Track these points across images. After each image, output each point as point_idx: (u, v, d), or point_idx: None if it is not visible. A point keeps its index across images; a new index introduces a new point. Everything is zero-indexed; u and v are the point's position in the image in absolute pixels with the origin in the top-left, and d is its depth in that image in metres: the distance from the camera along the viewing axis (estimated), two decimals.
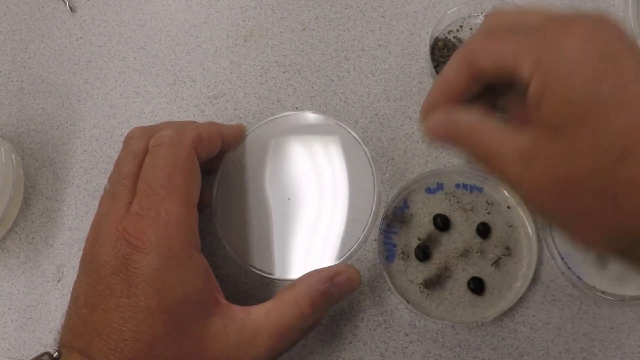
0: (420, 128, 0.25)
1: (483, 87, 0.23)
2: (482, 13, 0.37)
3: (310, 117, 0.31)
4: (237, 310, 0.25)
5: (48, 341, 0.32)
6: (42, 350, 0.28)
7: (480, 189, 0.32)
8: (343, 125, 0.31)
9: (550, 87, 0.19)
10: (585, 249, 0.22)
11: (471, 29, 0.37)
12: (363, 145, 0.30)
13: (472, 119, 0.22)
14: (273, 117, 0.32)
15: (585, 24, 0.19)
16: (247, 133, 0.32)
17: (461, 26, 0.37)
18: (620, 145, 0.18)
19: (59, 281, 0.33)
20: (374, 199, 0.29)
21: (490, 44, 0.22)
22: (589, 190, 0.19)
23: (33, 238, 0.34)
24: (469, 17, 0.37)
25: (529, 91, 0.20)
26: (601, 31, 0.19)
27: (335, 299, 0.27)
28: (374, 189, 0.29)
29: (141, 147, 0.27)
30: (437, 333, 0.30)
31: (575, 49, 0.19)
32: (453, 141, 0.23)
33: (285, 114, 0.32)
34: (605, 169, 0.19)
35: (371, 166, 0.30)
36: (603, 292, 0.29)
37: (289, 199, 0.30)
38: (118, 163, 0.27)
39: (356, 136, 0.30)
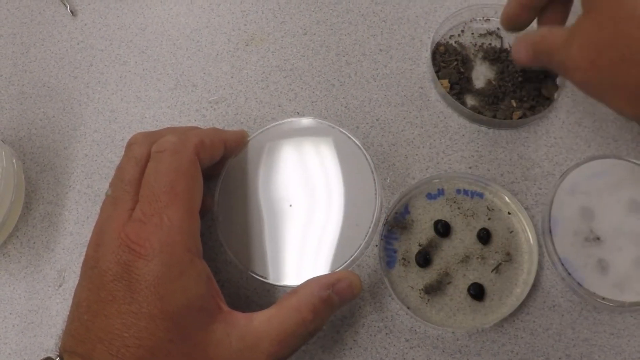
0: (503, 26, 0.32)
1: None
2: (483, 17, 0.37)
3: (312, 123, 0.31)
4: (239, 317, 0.25)
5: (49, 346, 0.32)
6: (43, 355, 0.28)
7: (481, 195, 0.32)
8: (344, 131, 0.31)
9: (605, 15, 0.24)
10: (621, 114, 0.27)
11: (472, 33, 0.37)
12: (364, 152, 0.30)
13: (542, 31, 0.28)
14: (274, 124, 0.32)
15: None
16: (248, 139, 0.32)
17: (462, 31, 0.37)
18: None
19: (60, 286, 0.33)
20: (375, 205, 0.29)
21: None
22: (616, 54, 0.23)
23: (34, 243, 0.34)
24: (471, 21, 0.37)
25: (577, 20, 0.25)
26: None
27: (336, 305, 0.27)
28: (376, 195, 0.29)
29: (143, 152, 0.27)
30: (438, 339, 0.30)
31: None
32: (535, 58, 0.29)
33: (287, 120, 0.32)
34: (628, 35, 0.23)
35: (372, 172, 0.30)
36: (603, 298, 0.29)
37: (290, 205, 0.30)
38: (120, 169, 0.27)
39: (357, 142, 0.30)
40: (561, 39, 0.26)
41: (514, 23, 0.31)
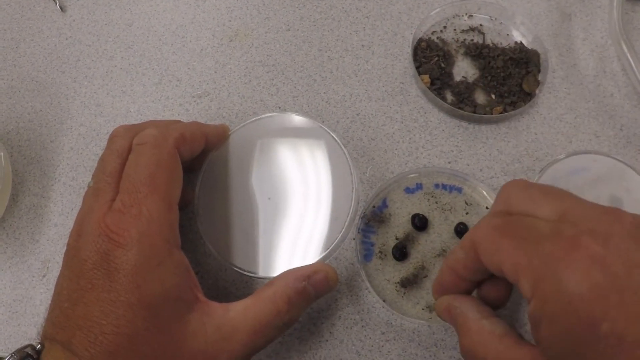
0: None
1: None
2: (466, 14, 0.37)
3: (292, 118, 0.32)
4: (216, 307, 0.26)
5: (32, 335, 0.32)
6: (25, 343, 0.28)
7: (459, 190, 0.32)
8: (323, 126, 0.31)
9: (547, 316, 0.19)
10: None
11: (455, 29, 0.37)
12: (342, 146, 0.30)
13: (470, 316, 0.22)
14: (255, 118, 0.32)
15: (591, 247, 0.18)
16: (230, 133, 0.32)
17: (445, 27, 0.37)
18: None
19: (44, 276, 0.33)
20: (352, 198, 0.29)
21: (495, 245, 0.21)
22: None
23: (20, 234, 0.35)
24: (453, 17, 0.37)
25: (529, 308, 0.19)
26: (608, 257, 0.18)
27: (312, 297, 0.27)
28: (353, 189, 0.30)
29: (125, 145, 0.28)
30: (414, 332, 0.30)
31: (574, 281, 0.18)
32: (456, 329, 0.23)
33: (267, 115, 0.32)
34: None
35: (350, 166, 0.30)
36: None
37: (269, 198, 0.30)
38: (102, 160, 0.28)
39: (335, 137, 0.31)
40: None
41: (447, 293, 0.25)
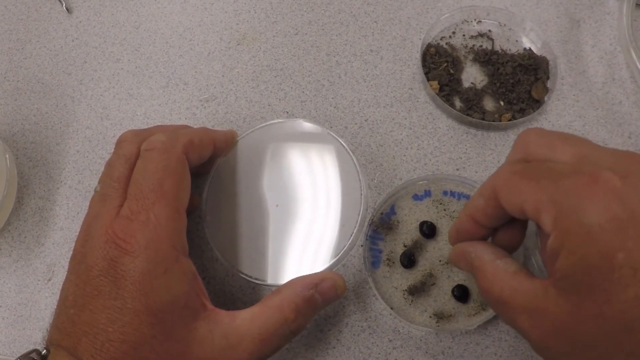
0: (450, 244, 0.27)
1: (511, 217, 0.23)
2: (475, 19, 0.37)
3: (300, 124, 0.32)
4: (223, 315, 0.26)
5: (37, 339, 0.32)
6: (31, 347, 0.28)
7: (467, 197, 0.32)
8: (332, 133, 0.31)
9: (566, 248, 0.19)
10: None
11: (464, 35, 0.37)
12: (350, 153, 0.30)
13: (487, 258, 0.23)
14: (264, 124, 0.32)
15: (611, 182, 0.19)
16: (238, 139, 0.32)
17: (454, 32, 0.37)
18: (628, 316, 0.18)
19: (49, 280, 0.33)
20: (360, 205, 0.29)
21: (515, 186, 0.21)
22: (594, 353, 0.19)
23: (25, 237, 0.34)
24: (462, 23, 0.37)
25: (548, 242, 0.20)
26: (627, 192, 0.19)
27: (319, 305, 0.27)
28: (361, 196, 0.29)
29: (133, 150, 0.27)
30: (421, 340, 0.30)
31: (594, 213, 0.19)
32: (473, 275, 0.24)
33: (275, 121, 0.32)
34: (611, 337, 0.19)
35: (358, 173, 0.30)
36: None
37: (277, 205, 0.30)
38: (109, 166, 0.28)
39: (344, 144, 0.31)
40: (523, 305, 0.21)
41: (463, 239, 0.26)
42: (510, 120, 0.34)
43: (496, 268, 0.23)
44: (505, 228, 0.25)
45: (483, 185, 0.23)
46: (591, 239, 0.19)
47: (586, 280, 0.19)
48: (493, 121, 0.33)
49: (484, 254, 0.24)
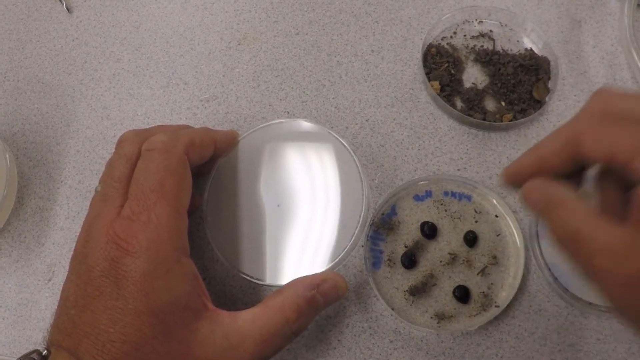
0: (499, 184, 0.25)
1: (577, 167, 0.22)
2: (476, 20, 0.37)
3: (301, 124, 0.32)
4: (224, 316, 0.26)
5: (37, 339, 0.32)
6: (31, 347, 0.28)
7: (468, 197, 0.32)
8: (333, 133, 0.31)
9: None
10: None
11: (465, 35, 0.37)
12: (352, 153, 0.30)
13: (568, 196, 0.22)
14: (264, 124, 0.32)
15: None
16: (239, 139, 0.32)
17: (455, 32, 0.37)
18: None
19: (49, 280, 0.33)
20: (362, 206, 0.29)
21: (603, 132, 0.21)
22: None
23: (25, 237, 0.34)
24: (463, 23, 0.37)
25: (638, 188, 0.19)
26: None
27: (321, 306, 0.27)
28: (363, 196, 0.29)
29: (134, 150, 0.27)
30: (422, 341, 0.30)
31: None
32: (543, 211, 0.22)
33: (276, 121, 0.32)
34: None
35: (360, 174, 0.30)
36: (590, 304, 0.29)
37: (278, 205, 0.30)
38: (110, 165, 0.28)
39: (345, 144, 0.30)
40: (605, 246, 0.20)
41: (520, 182, 0.24)
42: (511, 120, 0.34)
43: (579, 205, 0.21)
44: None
45: (559, 130, 0.22)
46: None
47: None
48: (494, 121, 0.33)
49: (568, 192, 0.22)
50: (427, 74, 0.35)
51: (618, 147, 0.20)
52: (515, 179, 0.24)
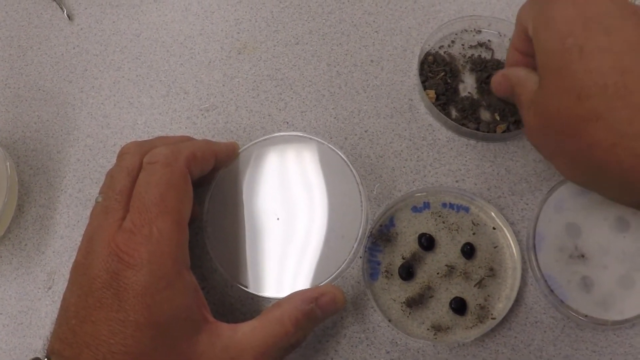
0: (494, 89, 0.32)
1: None
2: (475, 29, 0.37)
3: (300, 137, 0.32)
4: (224, 328, 0.26)
5: (37, 347, 0.32)
6: (32, 355, 0.29)
7: (466, 209, 0.32)
8: (331, 146, 0.31)
9: (536, 44, 0.26)
10: (563, 176, 0.29)
11: (463, 44, 0.37)
12: (350, 165, 0.30)
13: (520, 74, 0.29)
14: (264, 137, 0.32)
15: None
16: (239, 151, 0.32)
17: (453, 41, 0.37)
18: (577, 87, 0.23)
19: (49, 288, 0.33)
20: (361, 219, 0.29)
21: (524, 10, 0.28)
22: (558, 125, 0.25)
23: (25, 245, 0.35)
24: (462, 32, 0.37)
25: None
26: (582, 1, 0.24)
27: (319, 319, 0.27)
28: (362, 209, 0.30)
29: (135, 163, 0.28)
30: (418, 352, 0.30)
31: (554, 14, 0.25)
32: (510, 94, 0.30)
33: (277, 134, 0.32)
34: (567, 107, 0.24)
35: (359, 185, 0.30)
36: (586, 316, 0.29)
37: (277, 218, 0.30)
38: (111, 177, 0.28)
39: (343, 156, 0.31)
40: (529, 97, 0.27)
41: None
42: (504, 131, 0.34)
43: (519, 78, 0.28)
44: None
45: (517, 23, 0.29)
46: (550, 32, 0.25)
47: (548, 64, 0.25)
48: (487, 132, 0.33)
49: (520, 71, 0.29)
50: (423, 82, 0.35)
51: (527, 22, 0.27)
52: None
